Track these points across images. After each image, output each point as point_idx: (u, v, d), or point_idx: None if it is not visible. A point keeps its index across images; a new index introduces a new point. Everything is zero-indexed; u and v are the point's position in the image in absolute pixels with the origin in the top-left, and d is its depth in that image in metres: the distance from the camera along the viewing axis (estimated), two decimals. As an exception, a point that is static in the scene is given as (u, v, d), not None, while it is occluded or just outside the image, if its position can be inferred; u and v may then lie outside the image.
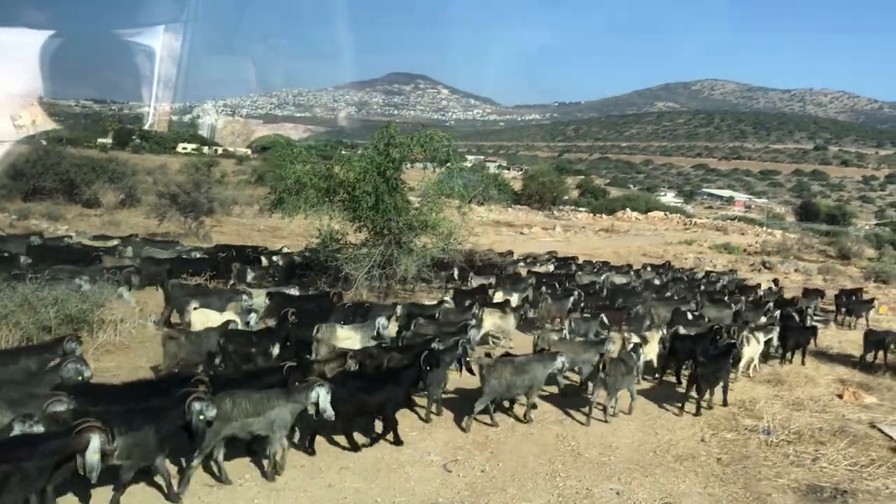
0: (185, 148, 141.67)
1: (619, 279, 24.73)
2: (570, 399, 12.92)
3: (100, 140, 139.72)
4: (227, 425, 8.31)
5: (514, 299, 18.55)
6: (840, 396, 14.80)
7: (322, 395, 8.81)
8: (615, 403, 12.45)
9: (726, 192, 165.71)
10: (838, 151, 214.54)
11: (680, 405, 13.08)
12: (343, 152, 27.54)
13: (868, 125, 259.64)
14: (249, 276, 20.06)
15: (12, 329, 12.53)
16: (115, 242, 24.55)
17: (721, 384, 13.39)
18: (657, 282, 25.54)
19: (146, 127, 42.83)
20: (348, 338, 12.83)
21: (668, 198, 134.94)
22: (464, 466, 9.79)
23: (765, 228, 79.04)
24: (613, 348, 14.11)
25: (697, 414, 12.87)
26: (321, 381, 9.09)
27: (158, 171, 62.57)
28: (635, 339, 14.31)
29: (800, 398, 14.39)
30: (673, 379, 14.92)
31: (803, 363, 17.38)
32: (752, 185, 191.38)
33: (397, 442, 10.18)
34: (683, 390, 13.47)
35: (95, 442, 6.74)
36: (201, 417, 7.74)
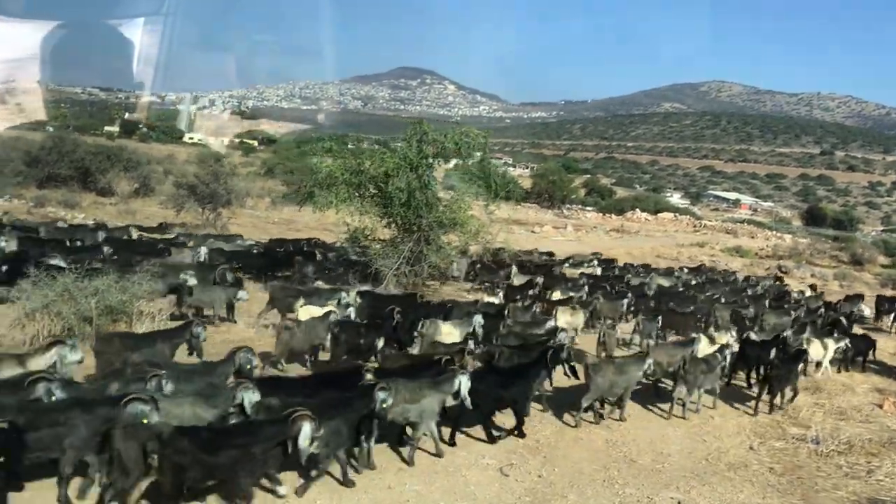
0: (191, 138, 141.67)
1: (664, 281, 24.70)
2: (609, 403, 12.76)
3: (107, 128, 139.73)
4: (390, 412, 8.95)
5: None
6: (880, 406, 14.65)
7: (463, 384, 9.50)
8: (698, 399, 12.90)
9: (732, 195, 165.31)
10: (845, 156, 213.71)
11: (753, 407, 13.50)
12: (374, 147, 27.18)
13: (875, 130, 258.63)
14: (310, 270, 20.01)
15: (54, 319, 12.40)
16: (173, 235, 24.41)
17: (789, 388, 13.66)
18: (691, 284, 25.44)
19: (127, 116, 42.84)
20: (450, 333, 13.26)
21: (675, 199, 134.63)
22: (520, 471, 9.65)
23: (774, 232, 78.82)
24: (700, 349, 14.25)
25: (771, 412, 13.28)
26: (463, 370, 9.82)
27: (167, 160, 62.42)
28: (722, 339, 14.54)
29: (841, 407, 14.25)
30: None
31: (864, 370, 17.31)
32: (758, 189, 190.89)
33: (521, 434, 10.61)
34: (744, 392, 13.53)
35: (307, 429, 7.48)
36: (384, 406, 8.54)
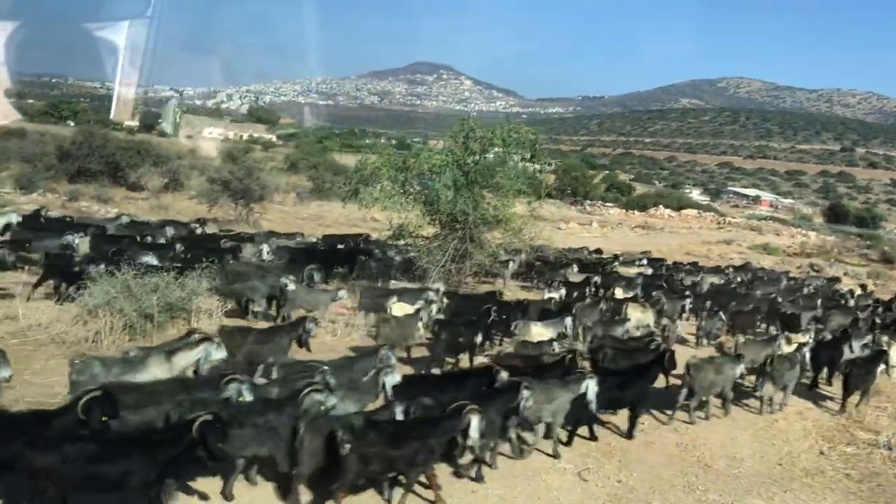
0: (210, 133, 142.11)
1: (714, 279, 24.55)
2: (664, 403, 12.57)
3: (126, 122, 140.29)
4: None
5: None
6: (941, 411, 14.37)
7: (591, 387, 9.78)
8: (783, 398, 13.05)
9: (752, 192, 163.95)
10: (865, 153, 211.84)
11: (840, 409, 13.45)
12: (420, 144, 27.23)
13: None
14: (373, 267, 20.15)
15: (115, 315, 12.36)
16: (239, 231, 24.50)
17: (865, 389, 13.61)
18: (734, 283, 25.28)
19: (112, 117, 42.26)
20: (541, 334, 13.40)
21: (695, 195, 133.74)
22: (598, 475, 9.49)
23: (799, 230, 78.13)
24: (783, 346, 14.36)
25: (842, 411, 13.28)
26: (591, 373, 10.10)
27: (191, 155, 62.49)
28: (801, 338, 14.63)
29: (905, 411, 13.99)
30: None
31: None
32: (778, 185, 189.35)
33: (630, 435, 10.80)
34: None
35: (476, 422, 7.88)
36: (528, 403, 9.02)
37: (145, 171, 41.34)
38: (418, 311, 13.67)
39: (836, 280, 32.54)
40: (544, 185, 20.44)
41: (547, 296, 16.90)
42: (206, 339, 9.66)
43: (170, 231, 21.86)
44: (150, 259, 15.71)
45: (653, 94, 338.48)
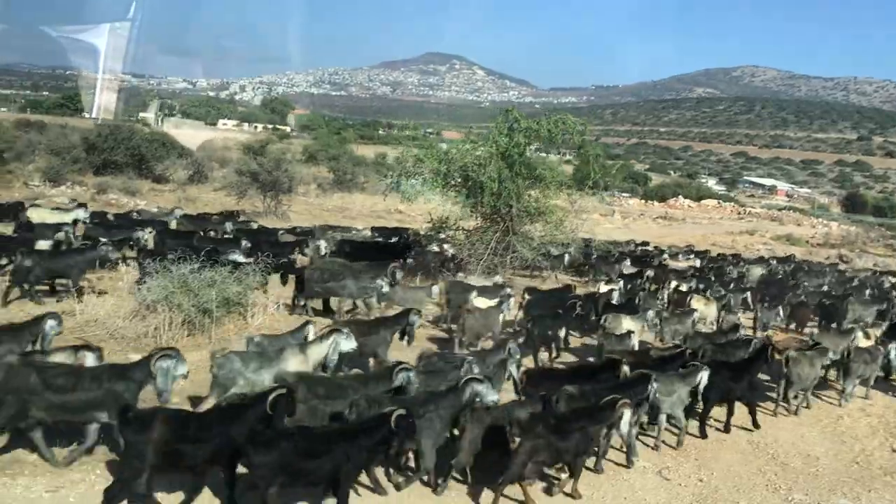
0: (225, 124, 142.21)
1: (759, 270, 24.40)
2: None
3: (141, 114, 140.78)
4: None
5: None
6: None
7: (704, 378, 10.03)
8: (852, 390, 12.97)
9: (768, 181, 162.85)
10: (883, 142, 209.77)
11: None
12: (433, 134, 27.04)
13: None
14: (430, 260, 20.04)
15: (174, 311, 12.25)
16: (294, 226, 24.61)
17: None
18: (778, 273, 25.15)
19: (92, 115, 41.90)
20: (630, 327, 13.46)
21: (710, 185, 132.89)
22: (678, 474, 9.31)
23: (820, 220, 77.48)
24: (861, 340, 14.21)
25: None
26: (705, 366, 10.20)
27: (208, 147, 62.38)
28: (876, 332, 14.68)
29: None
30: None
31: None
32: (793, 175, 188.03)
33: (727, 429, 10.94)
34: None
35: (628, 415, 8.38)
36: (657, 395, 9.43)
37: (171, 164, 41.29)
38: (499, 304, 13.91)
39: (885, 273, 31.59)
40: (592, 177, 20.09)
41: (604, 289, 16.68)
42: (336, 330, 9.77)
43: (229, 226, 21.83)
44: (239, 257, 15.83)
45: (667, 83, 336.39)
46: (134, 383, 7.77)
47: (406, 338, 11.87)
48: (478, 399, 8.14)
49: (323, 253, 18.53)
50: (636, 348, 12.54)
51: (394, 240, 21.91)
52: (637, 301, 15.58)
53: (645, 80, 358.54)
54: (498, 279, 16.75)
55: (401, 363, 9.03)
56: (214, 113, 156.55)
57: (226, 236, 20.11)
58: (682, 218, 67.19)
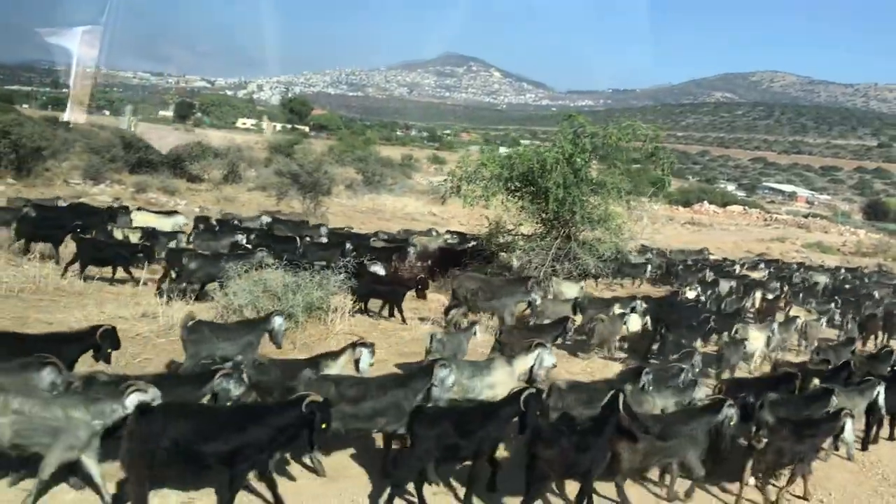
0: (244, 123, 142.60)
1: (821, 278, 24.24)
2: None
3: (161, 113, 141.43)
4: None
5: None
6: None
7: (882, 392, 10.29)
8: None
9: (788, 188, 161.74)
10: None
11: None
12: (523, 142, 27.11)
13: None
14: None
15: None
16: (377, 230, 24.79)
17: None
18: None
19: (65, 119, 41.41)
20: (757, 338, 13.95)
21: (731, 191, 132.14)
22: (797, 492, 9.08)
23: (847, 227, 76.84)
24: None
25: None
26: (880, 380, 10.47)
27: (233, 147, 62.30)
28: None
29: None
30: None
31: None
32: (813, 181, 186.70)
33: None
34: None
35: (850, 425, 8.86)
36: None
37: (207, 163, 41.31)
38: (623, 314, 14.44)
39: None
40: (666, 186, 19.92)
41: (690, 295, 16.71)
42: (540, 344, 10.04)
43: (324, 230, 22.03)
44: (379, 269, 16.20)
45: (684, 87, 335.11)
46: (413, 392, 8.37)
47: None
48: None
49: (411, 258, 18.50)
50: (756, 358, 13.38)
51: (471, 244, 21.74)
52: (722, 309, 15.57)
53: (662, 84, 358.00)
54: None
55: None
56: (233, 112, 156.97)
57: (322, 240, 20.40)
58: (710, 224, 66.73)
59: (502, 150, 21.28)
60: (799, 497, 8.95)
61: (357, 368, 9.12)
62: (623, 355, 14.44)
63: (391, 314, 15.32)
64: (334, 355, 9.19)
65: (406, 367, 11.26)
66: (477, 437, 7.40)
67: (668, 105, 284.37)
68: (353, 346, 9.28)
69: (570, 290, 16.96)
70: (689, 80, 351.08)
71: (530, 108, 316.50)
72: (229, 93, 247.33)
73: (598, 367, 13.37)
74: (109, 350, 9.19)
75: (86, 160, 36.44)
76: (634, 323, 14.56)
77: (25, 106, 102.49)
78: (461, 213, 39.87)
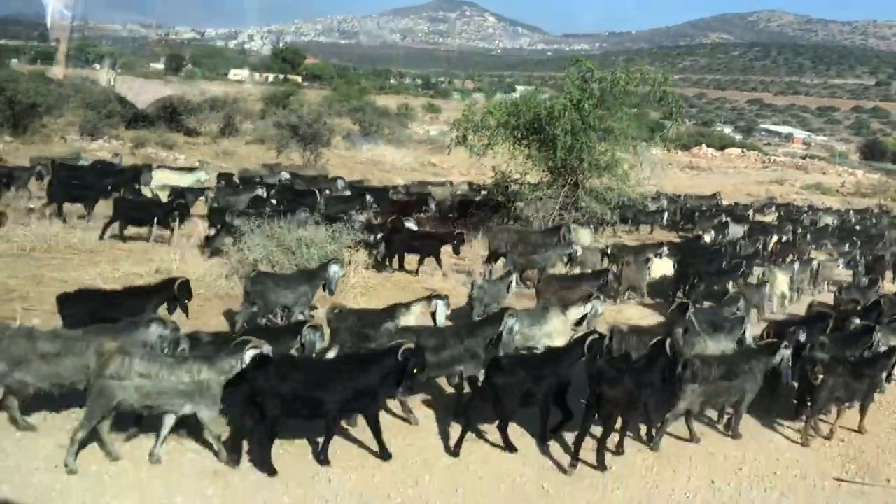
0: (236, 75, 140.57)
1: (829, 219, 24.38)
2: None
3: (152, 65, 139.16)
4: None
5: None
6: None
7: None
8: None
9: (784, 129, 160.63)
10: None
11: None
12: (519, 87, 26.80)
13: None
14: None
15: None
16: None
17: None
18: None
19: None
20: (781, 280, 14.72)
21: (727, 133, 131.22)
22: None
23: (846, 168, 76.60)
24: None
25: None
26: None
27: (227, 99, 61.37)
28: None
29: None
30: None
31: None
32: (809, 122, 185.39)
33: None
34: None
35: None
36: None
37: (204, 117, 40.78)
38: (647, 259, 14.82)
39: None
40: (673, 130, 19.80)
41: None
42: (594, 295, 10.47)
43: (340, 183, 22.15)
44: (412, 224, 16.22)
45: (681, 28, 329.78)
46: (485, 339, 8.81)
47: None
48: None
49: (433, 211, 18.56)
50: (773, 299, 13.93)
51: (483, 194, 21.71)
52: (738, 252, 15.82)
53: (659, 26, 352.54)
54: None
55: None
56: (225, 63, 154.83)
57: (346, 194, 20.60)
58: (708, 167, 66.45)
59: (511, 95, 20.96)
60: (854, 430, 9.28)
61: (434, 320, 9.60)
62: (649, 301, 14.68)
63: (399, 268, 15.37)
64: (409, 306, 9.61)
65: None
66: (548, 383, 7.90)
67: (664, 48, 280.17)
68: (429, 298, 9.81)
69: (586, 237, 16.97)
70: (685, 21, 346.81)
71: (525, 53, 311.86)
72: (220, 44, 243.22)
73: (635, 315, 13.50)
74: (186, 301, 9.60)
75: (81, 116, 35.96)
76: (659, 268, 14.98)
77: (15, 61, 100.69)
78: (461, 163, 39.76)
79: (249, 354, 6.90)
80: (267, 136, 35.65)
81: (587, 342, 8.15)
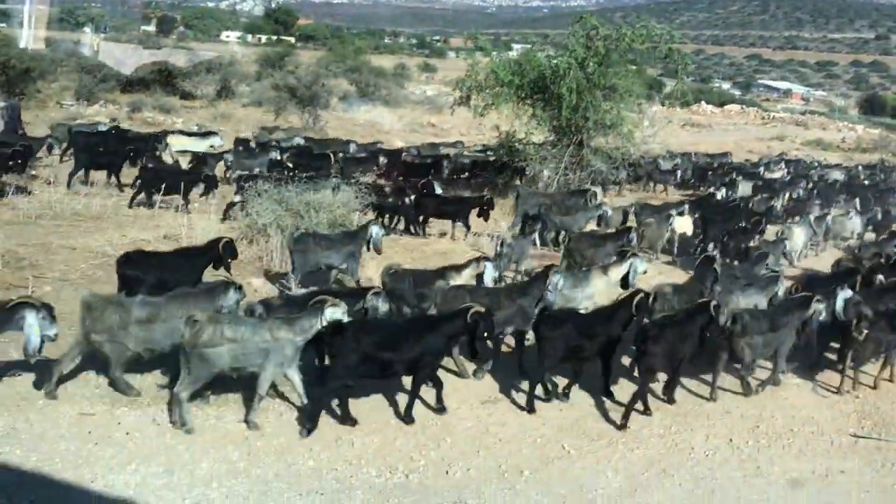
0: (227, 37, 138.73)
1: (837, 175, 24.43)
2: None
3: (143, 28, 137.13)
4: None
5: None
6: None
7: None
8: None
9: (783, 85, 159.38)
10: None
11: None
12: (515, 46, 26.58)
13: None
14: None
15: (284, 233, 12.05)
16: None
17: None
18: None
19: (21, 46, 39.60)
20: (798, 235, 15.00)
21: (726, 89, 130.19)
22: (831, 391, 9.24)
23: (846, 123, 76.17)
24: None
25: None
26: None
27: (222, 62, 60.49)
28: None
29: None
30: None
31: None
32: (808, 77, 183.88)
33: None
34: None
35: None
36: None
37: (201, 80, 40.30)
38: (668, 216, 14.96)
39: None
40: (680, 89, 19.64)
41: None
42: (633, 253, 10.62)
43: (353, 147, 22.53)
44: (439, 188, 16.22)
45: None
46: (533, 297, 9.05)
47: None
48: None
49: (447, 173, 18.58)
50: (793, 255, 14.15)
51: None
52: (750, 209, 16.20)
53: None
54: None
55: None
56: (217, 25, 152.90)
57: (361, 156, 20.91)
58: (708, 124, 66.04)
59: (512, 54, 20.72)
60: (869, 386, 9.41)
61: (481, 280, 9.79)
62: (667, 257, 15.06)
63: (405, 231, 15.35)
64: (459, 268, 9.95)
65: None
66: (598, 339, 8.21)
67: (661, 3, 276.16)
68: (478, 260, 10.08)
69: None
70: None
71: (520, 10, 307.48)
72: (210, 4, 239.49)
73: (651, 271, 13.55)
74: (229, 260, 9.89)
75: (76, 80, 35.51)
76: (680, 225, 15.20)
77: (3, 25, 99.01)
78: (460, 124, 39.45)
79: (329, 314, 7.17)
80: (264, 98, 35.26)
81: (635, 301, 8.39)
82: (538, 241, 13.13)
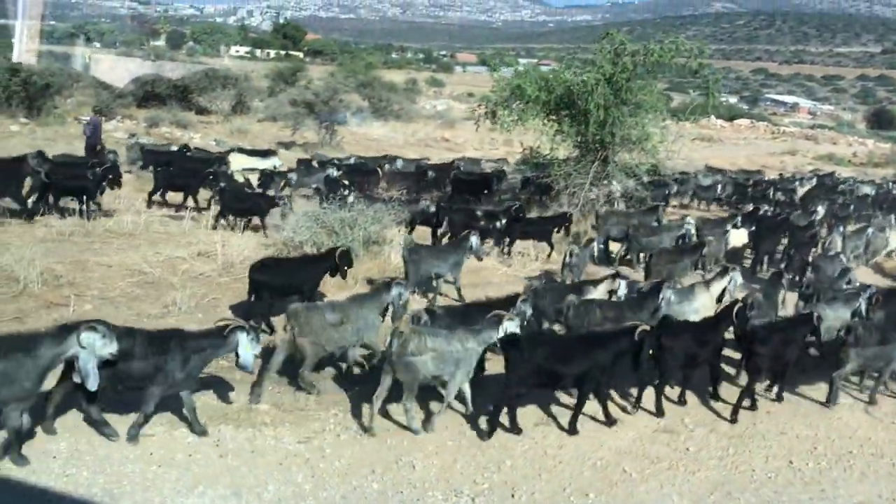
0: (237, 52, 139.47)
1: (867, 189, 24.59)
2: None
3: (152, 43, 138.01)
4: None
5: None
6: None
7: None
8: None
9: (790, 99, 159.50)
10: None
11: None
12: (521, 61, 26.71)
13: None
14: None
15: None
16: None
17: None
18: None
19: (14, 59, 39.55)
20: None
21: (732, 103, 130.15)
22: (882, 412, 9.08)
23: (856, 138, 76.08)
24: None
25: None
26: None
27: (240, 77, 60.79)
28: None
29: None
30: None
31: None
32: (814, 91, 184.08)
33: None
34: None
35: None
36: None
37: (216, 95, 40.48)
38: (725, 232, 15.91)
39: None
40: (712, 102, 19.69)
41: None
42: (734, 269, 10.99)
43: (400, 162, 23.47)
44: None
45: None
46: (650, 310, 9.69)
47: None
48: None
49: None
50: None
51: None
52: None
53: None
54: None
55: None
56: (225, 40, 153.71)
57: (408, 171, 22.09)
58: (718, 138, 66.02)
59: (542, 68, 20.73)
60: None
61: (614, 295, 10.44)
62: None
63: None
64: (595, 283, 10.74)
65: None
66: (708, 347, 8.83)
67: (667, 17, 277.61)
68: (613, 276, 10.76)
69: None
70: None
71: (526, 26, 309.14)
72: (219, 20, 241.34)
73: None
74: (346, 268, 10.45)
75: (93, 96, 35.67)
76: (736, 238, 15.97)
77: (14, 39, 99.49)
78: (473, 139, 39.54)
79: (507, 326, 7.66)
80: (280, 113, 35.40)
81: (735, 310, 8.97)
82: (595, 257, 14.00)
